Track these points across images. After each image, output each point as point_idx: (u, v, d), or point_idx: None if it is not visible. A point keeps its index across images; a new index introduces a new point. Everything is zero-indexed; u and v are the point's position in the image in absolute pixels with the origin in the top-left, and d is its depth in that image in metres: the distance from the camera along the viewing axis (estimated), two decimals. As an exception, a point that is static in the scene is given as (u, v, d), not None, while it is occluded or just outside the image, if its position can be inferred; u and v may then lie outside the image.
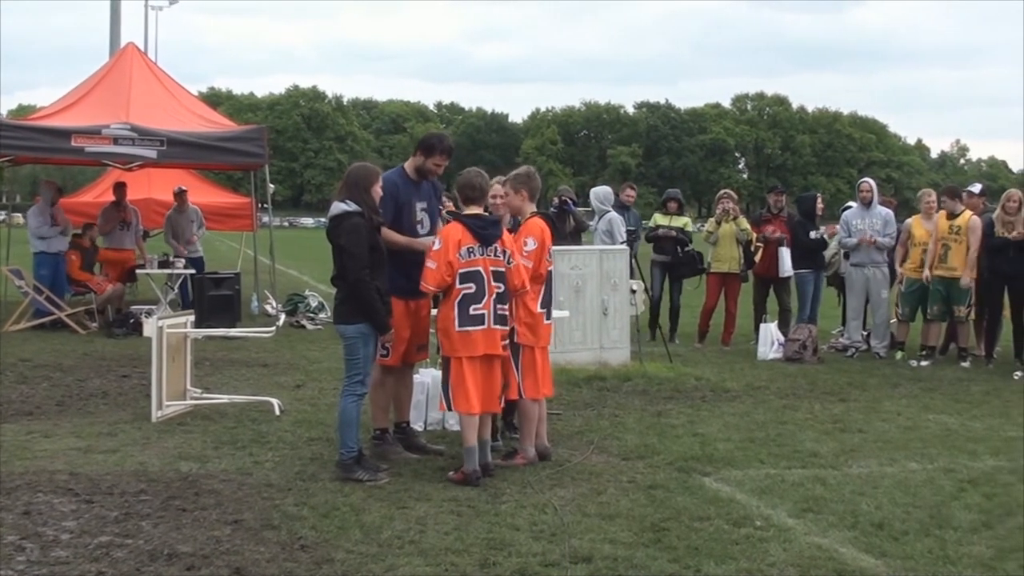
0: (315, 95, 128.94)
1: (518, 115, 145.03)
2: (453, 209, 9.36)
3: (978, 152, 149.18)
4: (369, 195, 7.73)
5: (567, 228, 14.37)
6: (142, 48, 24.39)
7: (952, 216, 13.79)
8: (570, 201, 14.07)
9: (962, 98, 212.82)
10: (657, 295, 15.19)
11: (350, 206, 7.67)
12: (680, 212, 16.16)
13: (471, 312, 7.74)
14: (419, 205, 8.53)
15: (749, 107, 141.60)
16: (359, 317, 7.68)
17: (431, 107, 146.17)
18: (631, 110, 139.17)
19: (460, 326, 7.74)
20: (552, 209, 15.45)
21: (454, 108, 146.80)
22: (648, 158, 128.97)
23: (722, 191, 16.32)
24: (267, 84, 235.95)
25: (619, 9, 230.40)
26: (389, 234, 8.13)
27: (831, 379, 12.61)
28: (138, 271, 18.08)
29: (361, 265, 7.59)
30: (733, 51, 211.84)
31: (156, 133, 15.95)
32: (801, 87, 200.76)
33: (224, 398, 10.38)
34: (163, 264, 17.72)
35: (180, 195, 19.17)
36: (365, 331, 7.68)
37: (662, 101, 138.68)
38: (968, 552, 6.27)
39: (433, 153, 8.56)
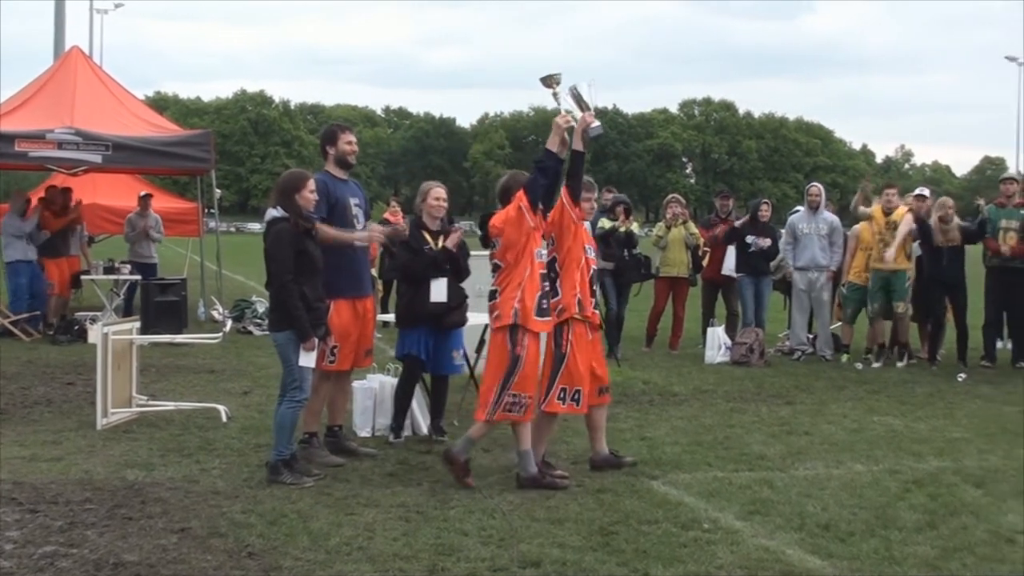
0: (262, 100, 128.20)
1: (466, 120, 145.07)
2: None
3: (922, 157, 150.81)
4: (294, 200, 7.72)
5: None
6: (87, 52, 24.17)
7: (888, 212, 13.98)
8: None
9: (907, 104, 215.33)
10: (615, 307, 15.08)
11: (278, 212, 7.71)
12: (627, 216, 16.20)
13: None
14: (353, 201, 8.58)
15: (696, 112, 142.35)
16: (287, 324, 7.69)
17: (379, 112, 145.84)
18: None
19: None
20: None
21: (402, 113, 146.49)
22: (596, 163, 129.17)
23: (670, 196, 16.40)
24: (214, 89, 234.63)
25: (569, 15, 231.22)
26: (324, 229, 8.16)
27: (778, 382, 12.70)
28: (83, 277, 17.90)
29: (284, 270, 7.62)
30: (682, 57, 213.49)
31: (101, 138, 15.80)
32: (748, 93, 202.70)
33: (171, 405, 10.30)
34: (108, 270, 17.53)
35: (144, 200, 18.96)
36: (294, 337, 7.68)
37: (610, 106, 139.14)
38: (913, 552, 6.33)
39: (337, 137, 8.63)
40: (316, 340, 7.77)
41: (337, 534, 6.48)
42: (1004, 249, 13.65)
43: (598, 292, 14.45)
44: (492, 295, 7.80)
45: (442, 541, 6.37)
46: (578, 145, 7.85)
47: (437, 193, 9.16)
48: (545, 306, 7.71)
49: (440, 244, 9.09)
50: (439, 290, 8.97)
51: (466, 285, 9.47)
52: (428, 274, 8.97)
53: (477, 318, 10.49)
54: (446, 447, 8.01)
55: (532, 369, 7.65)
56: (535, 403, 7.73)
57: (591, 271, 8.03)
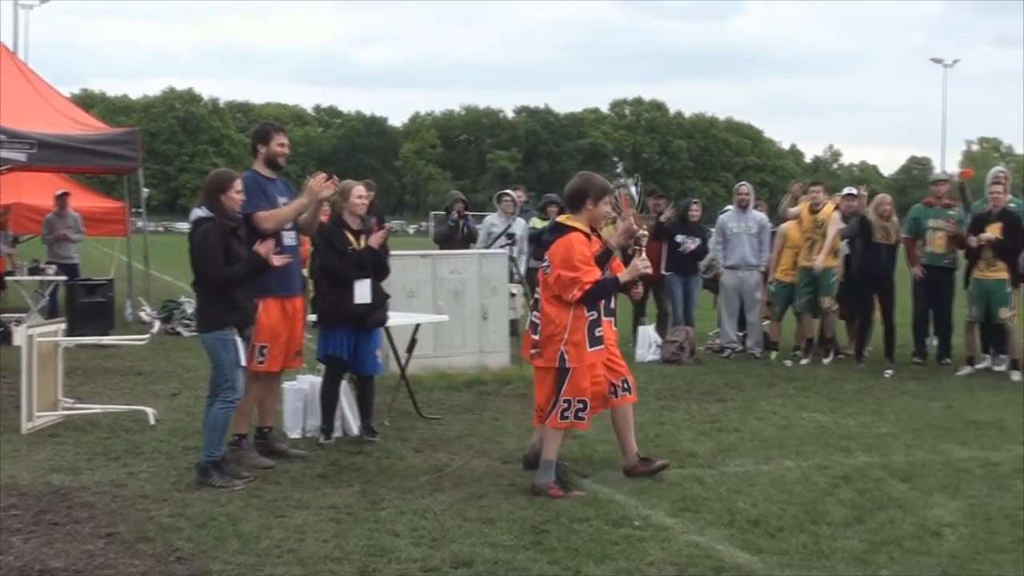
0: (191, 98, 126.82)
1: (398, 119, 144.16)
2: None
3: (850, 157, 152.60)
4: (220, 201, 7.67)
5: (459, 235, 14.59)
6: (11, 48, 23.78)
7: (815, 211, 14.15)
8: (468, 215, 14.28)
9: (836, 105, 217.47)
10: None
11: (203, 212, 7.66)
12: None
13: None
14: (281, 200, 8.51)
15: (627, 112, 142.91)
16: (214, 325, 7.66)
17: (309, 110, 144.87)
18: (511, 114, 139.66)
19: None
20: (450, 222, 15.59)
21: (333, 111, 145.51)
22: (527, 162, 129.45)
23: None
24: (142, 86, 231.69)
25: (501, 15, 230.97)
26: (260, 215, 8.17)
27: (708, 380, 12.78)
28: (7, 278, 17.62)
29: (218, 266, 7.59)
30: (613, 57, 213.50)
31: (26, 136, 15.50)
32: (679, 93, 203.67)
33: (97, 408, 10.15)
34: (33, 271, 17.27)
35: (61, 199, 18.69)
36: (222, 337, 7.65)
37: (541, 106, 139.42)
38: (841, 546, 6.41)
39: (271, 137, 8.61)
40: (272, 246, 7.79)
41: (267, 537, 6.43)
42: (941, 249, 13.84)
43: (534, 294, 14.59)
44: (533, 327, 7.72)
45: (373, 542, 6.34)
46: (616, 241, 7.85)
47: (359, 192, 9.12)
48: (599, 334, 7.62)
49: (363, 244, 9.03)
50: (363, 291, 8.93)
51: (395, 285, 9.46)
52: (352, 275, 8.92)
53: (407, 318, 10.51)
54: (533, 483, 7.65)
55: (583, 375, 7.54)
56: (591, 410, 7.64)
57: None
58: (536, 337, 7.63)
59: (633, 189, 8.15)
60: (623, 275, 7.68)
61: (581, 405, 7.54)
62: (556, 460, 7.65)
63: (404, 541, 6.39)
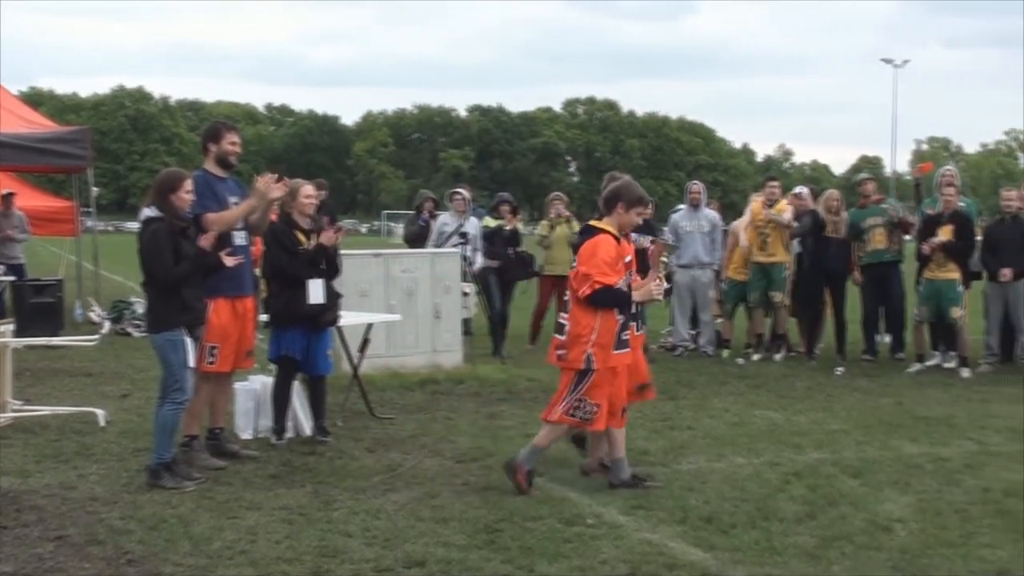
0: (141, 96, 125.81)
1: (350, 118, 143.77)
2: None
3: (802, 156, 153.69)
4: (169, 200, 7.62)
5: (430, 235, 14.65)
6: (-44, 47, 23.51)
7: (769, 205, 14.26)
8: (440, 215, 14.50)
9: (787, 104, 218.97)
10: (500, 305, 15.14)
11: (152, 212, 7.61)
12: (514, 215, 16.23)
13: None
14: (232, 200, 8.45)
15: (580, 111, 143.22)
16: (164, 325, 7.62)
17: (261, 109, 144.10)
18: (464, 113, 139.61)
19: None
20: (421, 221, 15.61)
21: (284, 110, 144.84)
22: (480, 161, 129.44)
23: (552, 194, 16.47)
24: (92, 84, 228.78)
25: (455, 14, 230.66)
26: (209, 217, 8.10)
27: (660, 378, 12.72)
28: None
29: (168, 265, 7.54)
30: (566, 57, 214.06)
31: (-28, 135, 15.37)
32: (631, 92, 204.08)
33: (46, 410, 10.05)
34: (-20, 272, 17.07)
35: (6, 198, 18.48)
36: (172, 338, 7.60)
37: (495, 105, 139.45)
38: (793, 542, 6.45)
39: (221, 136, 8.55)
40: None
41: (219, 538, 6.39)
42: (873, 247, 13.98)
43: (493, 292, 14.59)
44: (559, 328, 7.69)
45: (326, 543, 6.32)
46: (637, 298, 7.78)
47: (307, 191, 9.08)
48: (625, 337, 7.63)
49: (313, 243, 8.97)
50: (316, 291, 8.89)
51: (348, 284, 9.42)
52: (303, 274, 8.88)
53: (358, 317, 10.47)
54: (509, 458, 7.76)
55: (603, 379, 7.54)
56: (604, 414, 7.61)
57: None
58: (563, 338, 7.61)
59: (668, 240, 8.20)
60: (636, 295, 7.67)
61: (594, 408, 7.52)
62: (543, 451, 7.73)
63: (357, 541, 6.37)
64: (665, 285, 8.00)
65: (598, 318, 7.45)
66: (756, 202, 14.57)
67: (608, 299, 7.44)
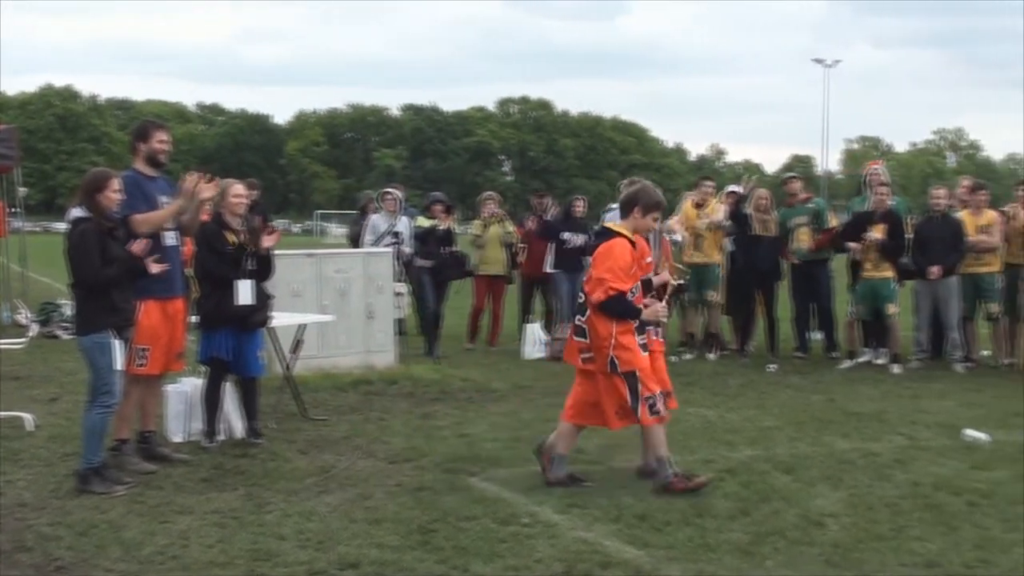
0: (69, 95, 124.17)
1: (282, 117, 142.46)
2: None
3: (735, 156, 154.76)
4: (97, 200, 7.52)
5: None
6: None
7: (700, 206, 14.37)
8: None
9: (720, 104, 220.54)
10: (434, 305, 15.06)
11: (80, 212, 7.52)
12: (448, 214, 16.19)
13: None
14: (162, 199, 8.36)
15: (515, 111, 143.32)
16: (92, 327, 7.52)
17: (192, 108, 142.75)
18: (397, 113, 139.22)
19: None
20: (364, 222, 15.56)
21: (216, 109, 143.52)
22: (414, 160, 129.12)
23: (485, 194, 16.48)
24: (18, 83, 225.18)
25: (387, 13, 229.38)
26: (137, 218, 8.02)
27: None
28: None
29: (95, 267, 7.44)
30: (500, 56, 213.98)
31: None
32: (565, 92, 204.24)
33: (-28, 414, 9.88)
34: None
35: None
36: (100, 340, 7.50)
37: (427, 103, 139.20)
38: (727, 539, 6.49)
39: (150, 134, 8.47)
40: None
41: (150, 543, 6.32)
42: (806, 247, 14.13)
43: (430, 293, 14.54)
44: (579, 331, 7.72)
45: (259, 546, 6.26)
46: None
47: (236, 191, 9.00)
48: (643, 341, 7.71)
49: (241, 241, 8.89)
50: (245, 292, 8.81)
51: (280, 285, 9.35)
52: (231, 274, 8.80)
53: (292, 318, 10.40)
54: (657, 481, 7.69)
55: (645, 365, 7.62)
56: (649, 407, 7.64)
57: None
58: (585, 341, 7.66)
59: (678, 237, 8.26)
60: (645, 313, 7.70)
61: (663, 396, 7.68)
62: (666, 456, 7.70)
63: (290, 544, 6.32)
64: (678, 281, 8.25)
65: (614, 323, 7.52)
66: (688, 201, 14.66)
67: (618, 308, 7.50)
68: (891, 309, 13.34)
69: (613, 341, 7.48)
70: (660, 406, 7.62)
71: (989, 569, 6.06)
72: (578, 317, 7.79)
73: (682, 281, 8.36)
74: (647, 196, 7.79)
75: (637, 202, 7.74)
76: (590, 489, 7.59)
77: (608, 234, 7.73)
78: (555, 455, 7.82)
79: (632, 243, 7.65)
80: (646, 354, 7.71)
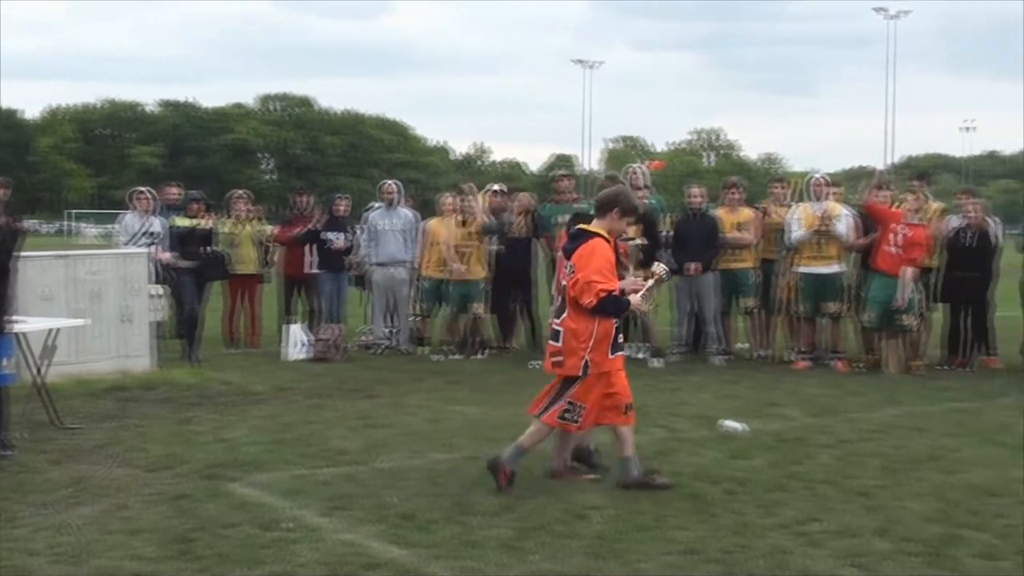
0: None
1: (32, 112, 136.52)
2: None
3: (498, 154, 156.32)
4: None
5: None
6: None
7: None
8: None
9: (484, 103, 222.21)
10: (193, 306, 14.66)
11: None
12: (207, 213, 15.80)
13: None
14: None
15: (276, 107, 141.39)
16: None
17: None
18: (154, 109, 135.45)
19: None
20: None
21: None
22: (172, 157, 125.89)
23: (236, 192, 16.20)
24: None
25: (144, 8, 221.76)
26: None
27: (358, 376, 12.81)
28: None
29: None
30: (261, 53, 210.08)
31: None
32: (328, 90, 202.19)
33: None
34: None
35: None
36: None
37: (182, 100, 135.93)
38: (492, 535, 6.55)
39: None
40: None
41: None
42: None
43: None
44: (554, 335, 7.64)
45: (9, 563, 6.00)
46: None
47: None
48: (620, 340, 7.69)
49: None
50: None
51: (29, 287, 8.96)
52: None
53: (43, 323, 10.00)
54: (494, 457, 7.73)
55: (593, 381, 7.57)
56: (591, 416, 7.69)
57: None
58: (559, 345, 7.60)
59: (637, 244, 8.38)
60: (633, 303, 7.74)
61: (582, 410, 7.62)
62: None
63: (42, 559, 6.07)
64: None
65: (595, 324, 7.50)
66: (446, 205, 14.85)
67: (611, 307, 7.52)
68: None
69: (591, 344, 7.51)
70: (578, 418, 7.66)
71: (746, 553, 6.28)
72: (553, 320, 7.81)
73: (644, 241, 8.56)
74: (627, 200, 7.86)
75: (616, 204, 7.77)
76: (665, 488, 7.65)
77: (585, 235, 7.72)
78: (620, 459, 7.85)
79: (608, 242, 7.70)
80: (621, 353, 7.80)
